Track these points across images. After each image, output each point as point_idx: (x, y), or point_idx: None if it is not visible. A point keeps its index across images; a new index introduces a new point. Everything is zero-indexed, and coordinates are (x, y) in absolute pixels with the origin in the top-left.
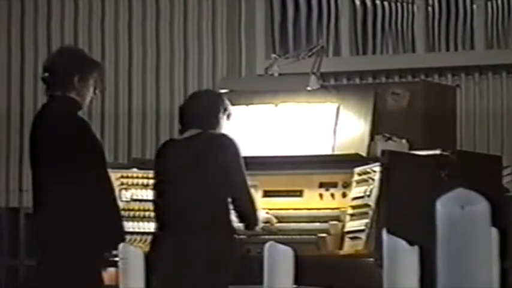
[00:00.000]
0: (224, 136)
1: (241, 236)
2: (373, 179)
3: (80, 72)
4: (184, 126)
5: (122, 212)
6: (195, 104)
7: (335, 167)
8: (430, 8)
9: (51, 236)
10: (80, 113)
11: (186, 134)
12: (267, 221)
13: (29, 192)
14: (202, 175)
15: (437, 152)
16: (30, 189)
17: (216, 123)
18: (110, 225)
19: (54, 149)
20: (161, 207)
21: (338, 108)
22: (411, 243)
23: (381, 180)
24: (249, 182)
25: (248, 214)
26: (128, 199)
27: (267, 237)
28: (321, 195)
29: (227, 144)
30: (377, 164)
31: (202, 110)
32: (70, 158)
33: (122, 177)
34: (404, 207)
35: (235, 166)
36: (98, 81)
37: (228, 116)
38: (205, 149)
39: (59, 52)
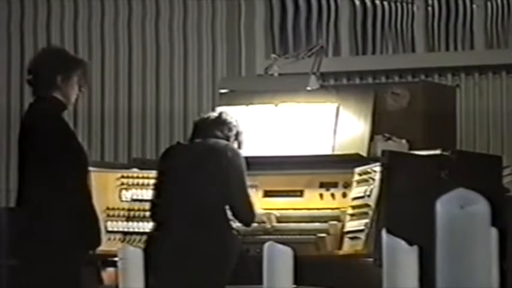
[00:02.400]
0: (228, 143)
1: (241, 236)
2: (373, 179)
3: (62, 72)
4: (191, 139)
5: (122, 212)
6: (205, 121)
7: (335, 167)
8: (429, 8)
9: (30, 236)
10: (65, 114)
11: (193, 142)
12: (263, 221)
13: None
14: (203, 177)
15: (437, 152)
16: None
17: (223, 138)
18: (85, 226)
19: (34, 150)
20: (161, 206)
21: (338, 108)
22: (411, 243)
23: (381, 180)
24: (249, 183)
25: (245, 218)
26: (128, 199)
27: (266, 237)
28: (321, 195)
29: (230, 151)
30: (377, 164)
31: (210, 126)
32: (47, 160)
33: (122, 177)
34: (404, 207)
35: (236, 172)
36: (82, 79)
37: (239, 144)
38: (208, 152)
39: (40, 53)
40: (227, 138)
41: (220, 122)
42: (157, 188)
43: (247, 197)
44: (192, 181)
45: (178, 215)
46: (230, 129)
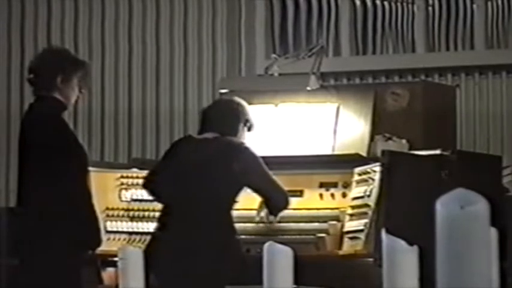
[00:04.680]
0: (241, 142)
1: (241, 236)
2: (373, 179)
3: (62, 72)
4: (202, 129)
5: (122, 212)
6: (215, 110)
7: (335, 167)
8: (430, 8)
9: (30, 236)
10: (65, 114)
11: (204, 136)
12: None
13: None
14: (210, 176)
15: (437, 152)
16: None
17: (234, 131)
18: (85, 226)
19: (34, 150)
20: (163, 203)
21: (338, 108)
22: (411, 243)
23: (381, 180)
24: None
25: (282, 201)
26: (128, 199)
27: (266, 237)
28: (321, 195)
29: (244, 150)
30: (377, 164)
31: (221, 116)
32: (47, 160)
33: (122, 177)
34: (404, 207)
35: (256, 168)
36: (83, 81)
37: (249, 128)
38: (220, 152)
39: (42, 53)
40: (230, 128)
41: (217, 113)
42: (161, 183)
43: (275, 183)
44: (198, 181)
45: (181, 215)
46: (229, 121)
